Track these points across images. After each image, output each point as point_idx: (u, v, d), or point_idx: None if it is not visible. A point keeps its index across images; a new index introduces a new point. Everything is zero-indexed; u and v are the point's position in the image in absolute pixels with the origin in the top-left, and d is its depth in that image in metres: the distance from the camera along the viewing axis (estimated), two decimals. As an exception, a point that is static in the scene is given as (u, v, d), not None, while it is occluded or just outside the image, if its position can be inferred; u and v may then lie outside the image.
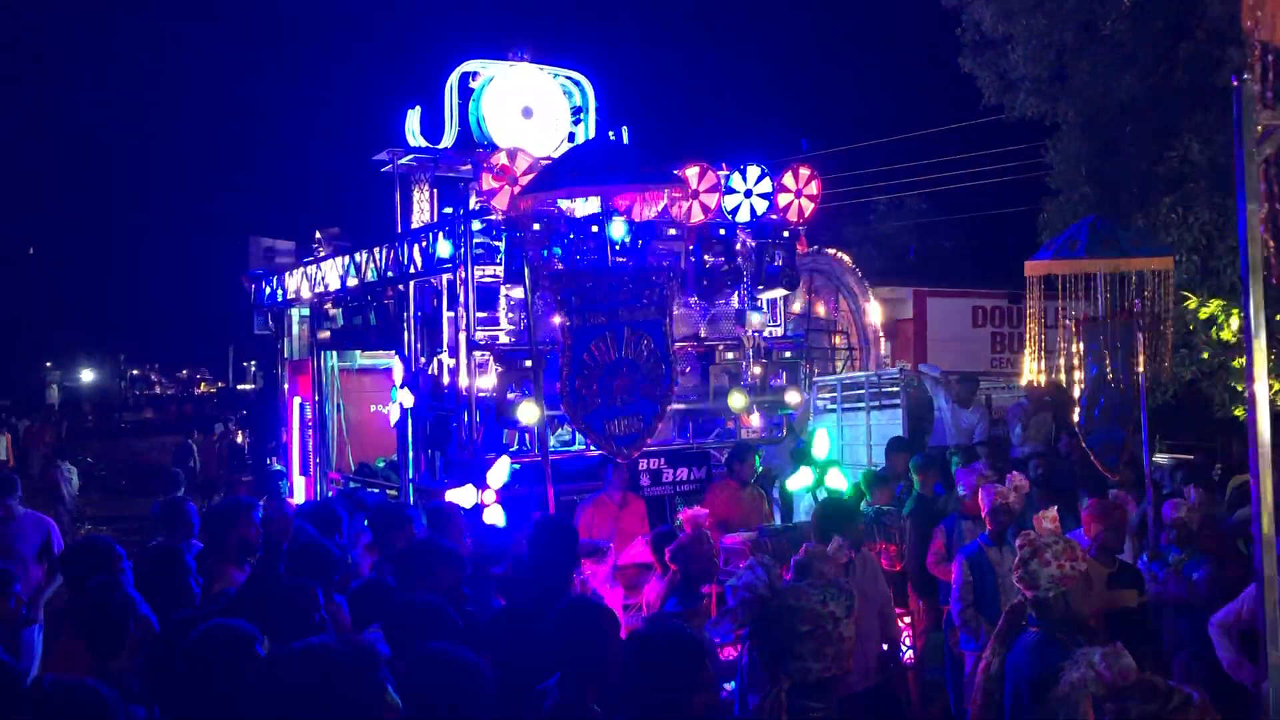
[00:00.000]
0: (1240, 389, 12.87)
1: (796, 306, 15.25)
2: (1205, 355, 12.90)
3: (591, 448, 8.23)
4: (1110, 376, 7.91)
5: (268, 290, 12.84)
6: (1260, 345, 3.06)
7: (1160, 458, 11.36)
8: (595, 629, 3.47)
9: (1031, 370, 7.93)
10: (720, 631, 3.59)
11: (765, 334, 9.65)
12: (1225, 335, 12.64)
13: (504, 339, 8.38)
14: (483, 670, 2.90)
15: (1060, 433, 11.62)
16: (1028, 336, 7.91)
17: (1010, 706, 3.72)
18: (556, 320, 6.81)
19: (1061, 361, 8.39)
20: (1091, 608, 5.51)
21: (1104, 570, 6.14)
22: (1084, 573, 4.00)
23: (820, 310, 16.88)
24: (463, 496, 7.30)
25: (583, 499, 8.07)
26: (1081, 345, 8.10)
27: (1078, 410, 8.23)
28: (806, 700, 2.69)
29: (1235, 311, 11.93)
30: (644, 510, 8.15)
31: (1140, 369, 7.70)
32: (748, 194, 9.01)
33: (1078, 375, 8.20)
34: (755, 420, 9.73)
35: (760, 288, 9.49)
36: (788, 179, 9.21)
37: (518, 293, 8.16)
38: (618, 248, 7.63)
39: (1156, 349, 7.75)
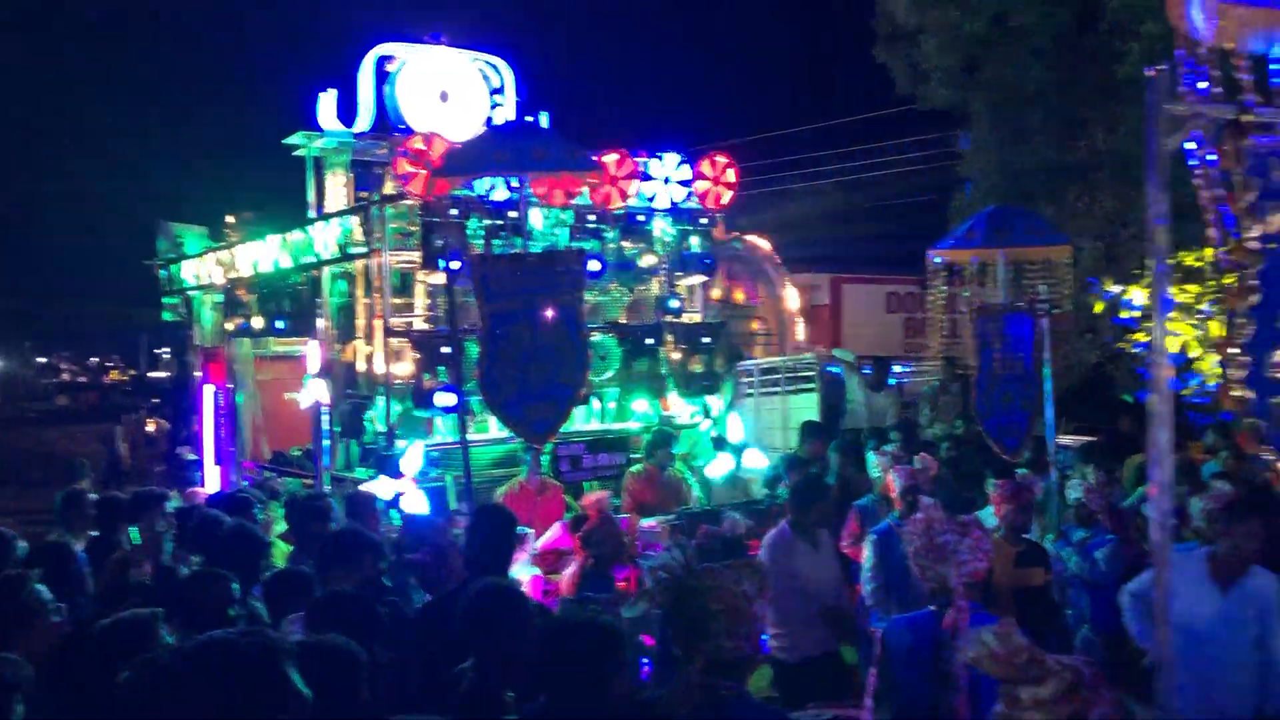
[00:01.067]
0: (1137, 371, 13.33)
1: (715, 292, 15.36)
2: (1108, 339, 13.33)
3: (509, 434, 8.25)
4: (1008, 363, 8.08)
5: (179, 276, 12.56)
6: (1158, 329, 3.13)
7: (1065, 439, 11.69)
8: (504, 612, 3.45)
9: (937, 355, 8.09)
10: (636, 612, 3.64)
11: (684, 319, 9.73)
12: (1125, 314, 13.06)
13: (421, 325, 8.31)
14: (358, 658, 2.89)
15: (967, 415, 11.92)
16: (931, 323, 8.07)
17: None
18: (475, 306, 6.71)
19: (968, 345, 8.58)
20: (1000, 584, 5.68)
21: (1012, 550, 6.31)
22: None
23: (739, 296, 17.02)
24: (381, 488, 7.24)
25: (502, 485, 8.06)
26: (977, 333, 8.25)
27: (975, 395, 8.41)
28: (719, 678, 2.73)
29: (1136, 288, 12.33)
30: (562, 496, 8.17)
31: (1044, 355, 7.89)
32: (666, 181, 9.06)
33: (973, 362, 8.38)
34: (674, 405, 9.81)
35: (679, 274, 9.57)
36: (705, 166, 9.28)
37: (435, 278, 8.11)
38: (535, 234, 7.61)
39: (1060, 335, 7.97)
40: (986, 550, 3.92)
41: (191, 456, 11.57)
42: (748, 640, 2.77)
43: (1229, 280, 3.16)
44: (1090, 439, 11.22)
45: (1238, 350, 3.10)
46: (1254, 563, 5.46)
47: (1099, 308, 12.40)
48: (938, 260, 7.75)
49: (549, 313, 6.42)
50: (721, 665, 2.72)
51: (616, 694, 2.90)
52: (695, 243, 9.47)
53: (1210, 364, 10.88)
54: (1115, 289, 12.91)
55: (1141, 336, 12.72)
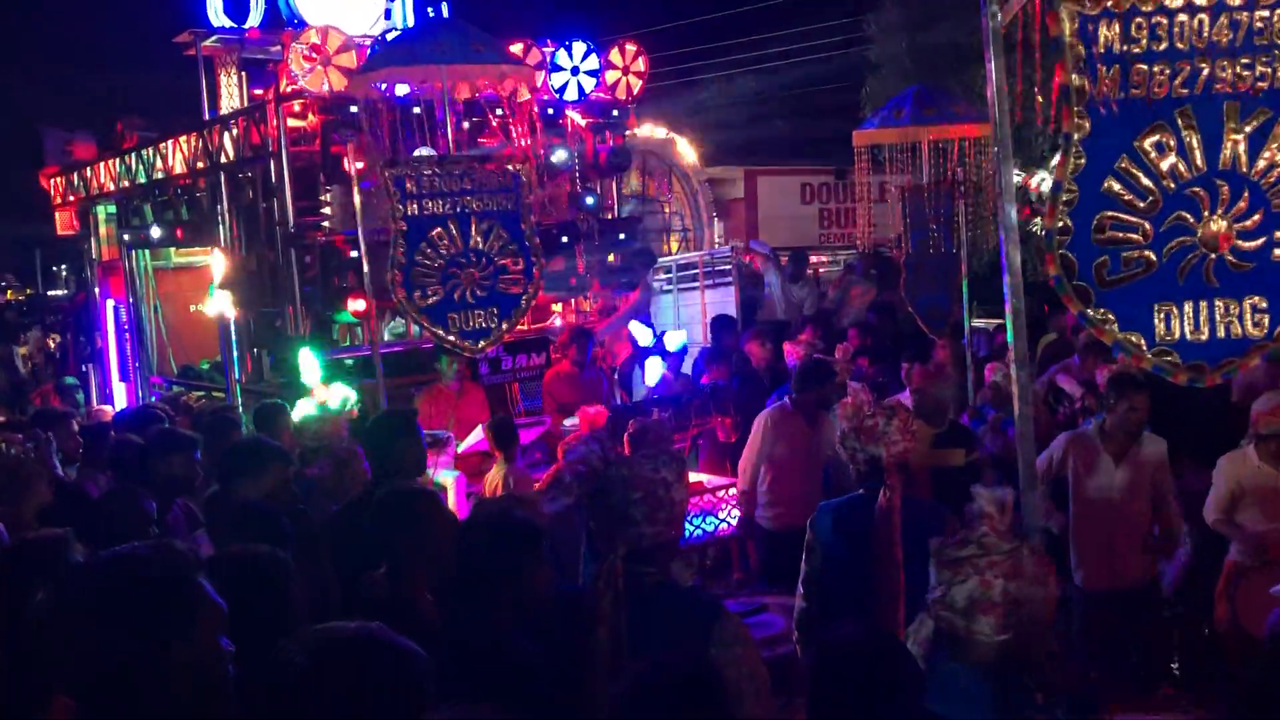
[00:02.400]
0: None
1: (629, 187, 15.21)
2: (1019, 223, 13.50)
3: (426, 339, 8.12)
4: (933, 243, 8.17)
5: (69, 187, 12.00)
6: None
7: (978, 322, 11.91)
8: (414, 515, 3.40)
9: (861, 240, 8.13)
10: (556, 504, 3.62)
11: (600, 216, 9.61)
12: (1030, 198, 13.25)
13: (327, 227, 8.07)
14: (288, 566, 2.83)
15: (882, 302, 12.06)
16: (858, 205, 8.08)
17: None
18: (388, 209, 6.39)
19: (895, 228, 8.62)
20: (918, 465, 5.81)
21: (930, 430, 6.43)
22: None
23: (654, 191, 16.88)
24: (302, 409, 7.06)
25: (419, 389, 7.96)
26: (907, 214, 8.31)
27: (904, 275, 8.50)
28: (641, 565, 2.73)
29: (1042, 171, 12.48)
30: (483, 398, 8.11)
31: (961, 236, 7.96)
32: (575, 71, 8.84)
33: (903, 243, 8.46)
34: (590, 304, 9.76)
35: (592, 169, 9.41)
36: (615, 56, 9.07)
37: (338, 179, 7.85)
38: (443, 129, 7.30)
39: (977, 216, 8.03)
40: (913, 431, 3.98)
41: (71, 380, 11.19)
42: (668, 526, 2.77)
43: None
44: (1001, 321, 11.47)
45: (1062, 219, 3.25)
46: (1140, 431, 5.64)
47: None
48: (863, 144, 7.72)
49: (483, 217, 6.12)
50: (642, 552, 2.73)
51: (538, 588, 2.90)
52: (608, 136, 9.30)
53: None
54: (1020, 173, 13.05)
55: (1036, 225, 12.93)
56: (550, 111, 8.73)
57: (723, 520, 7.37)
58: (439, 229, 6.04)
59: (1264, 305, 3.38)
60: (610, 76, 9.07)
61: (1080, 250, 3.29)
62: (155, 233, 9.97)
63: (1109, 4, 3.23)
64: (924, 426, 6.44)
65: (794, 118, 20.05)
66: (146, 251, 10.81)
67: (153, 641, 1.96)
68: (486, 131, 8.45)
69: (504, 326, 6.37)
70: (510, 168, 6.33)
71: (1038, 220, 12.88)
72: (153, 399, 10.22)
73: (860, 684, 2.53)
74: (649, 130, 15.83)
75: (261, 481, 3.92)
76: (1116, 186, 3.29)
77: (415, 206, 5.98)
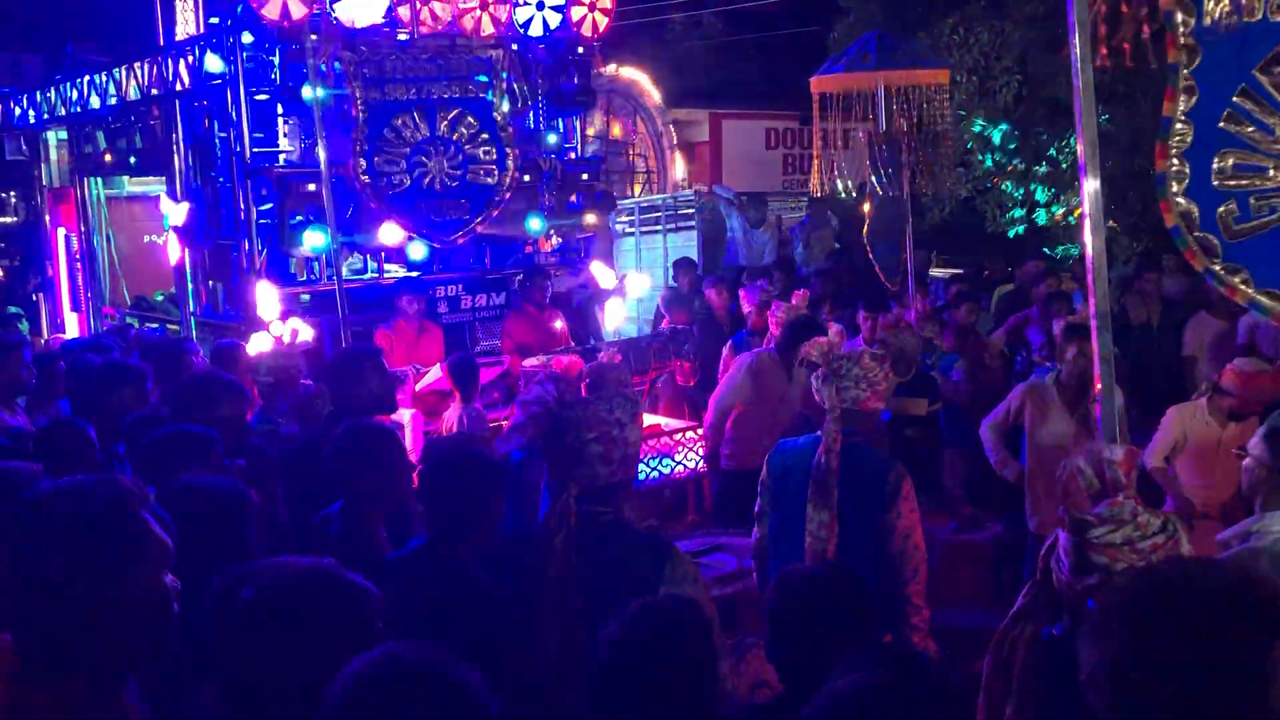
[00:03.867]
0: (1010, 207, 13.68)
1: (593, 128, 15.06)
2: (979, 174, 13.57)
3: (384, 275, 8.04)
4: (887, 191, 8.16)
5: (18, 111, 11.67)
6: (1092, 185, 2.91)
7: (936, 271, 12.01)
8: (372, 451, 3.40)
9: (817, 187, 8.08)
10: (511, 444, 3.64)
11: (562, 155, 9.50)
12: (997, 155, 13.32)
13: (284, 161, 7.92)
14: (243, 494, 2.82)
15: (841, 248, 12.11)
16: (815, 152, 8.02)
17: None
18: (347, 91, 5.94)
19: (849, 179, 8.59)
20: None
21: (894, 379, 6.52)
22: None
23: (618, 132, 16.73)
24: (258, 343, 6.98)
25: (379, 327, 7.90)
26: (871, 160, 8.28)
27: (868, 221, 8.50)
28: (594, 505, 2.75)
29: (1001, 131, 12.54)
30: (441, 337, 8.07)
31: (915, 184, 7.94)
32: (540, 6, 8.65)
33: (868, 190, 8.44)
34: (553, 244, 9.67)
35: (556, 106, 9.28)
36: (581, -9, 8.90)
37: (297, 110, 7.69)
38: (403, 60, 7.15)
39: (935, 164, 8.02)
40: (871, 380, 3.93)
41: (15, 310, 10.98)
42: (622, 465, 2.79)
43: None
44: (958, 271, 11.57)
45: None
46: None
47: (977, 130, 12.58)
48: (820, 90, 7.65)
49: (450, 104, 5.84)
50: (597, 491, 2.75)
51: (496, 526, 2.93)
52: (573, 74, 9.16)
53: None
54: (987, 124, 13.09)
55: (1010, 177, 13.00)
56: (514, 47, 8.56)
57: (679, 463, 7.43)
58: (402, 116, 5.79)
59: None
60: (576, 13, 8.90)
61: (1201, 197, 2.92)
62: (108, 160, 9.76)
63: None
64: (890, 376, 6.53)
65: (761, 62, 19.90)
66: (99, 179, 10.58)
67: (93, 577, 1.91)
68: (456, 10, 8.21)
69: (477, 219, 6.15)
70: (482, 53, 6.02)
71: (999, 174, 12.90)
72: (103, 329, 10.07)
73: (819, 614, 2.57)
74: (614, 70, 15.66)
75: (215, 413, 3.89)
76: (1236, 122, 2.93)
77: (376, 91, 5.71)
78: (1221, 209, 2.95)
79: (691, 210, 12.87)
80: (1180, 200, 2.93)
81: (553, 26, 8.76)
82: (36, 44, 12.07)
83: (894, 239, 8.44)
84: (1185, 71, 2.91)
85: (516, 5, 8.44)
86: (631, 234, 13.32)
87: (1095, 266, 2.95)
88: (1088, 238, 2.95)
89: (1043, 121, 12.74)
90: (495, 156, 6.06)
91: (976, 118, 12.86)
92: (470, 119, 5.95)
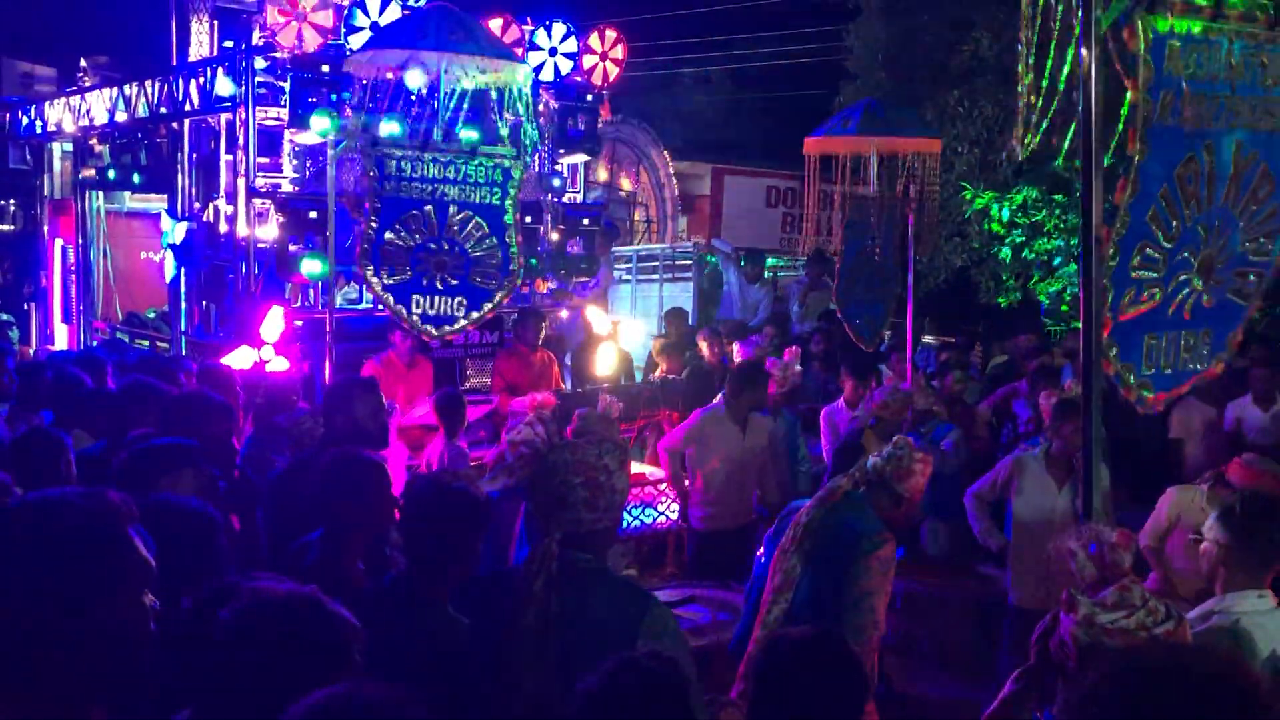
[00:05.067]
0: (1005, 278, 13.76)
1: (601, 175, 15.17)
2: (976, 244, 13.67)
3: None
4: (876, 255, 8.17)
5: (25, 121, 11.72)
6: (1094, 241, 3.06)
7: (928, 339, 12.05)
8: (358, 483, 3.36)
9: (809, 248, 8.12)
10: (496, 486, 3.62)
11: (565, 199, 9.56)
12: (995, 227, 13.42)
13: (287, 187, 7.96)
14: (214, 518, 2.79)
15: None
16: (805, 213, 8.05)
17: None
18: (357, 176, 6.16)
19: (838, 236, 8.62)
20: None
21: (881, 444, 6.51)
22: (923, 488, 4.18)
23: (622, 181, 16.85)
24: (240, 358, 6.98)
25: (369, 358, 7.88)
26: (845, 221, 8.30)
27: (837, 283, 8.50)
28: (577, 550, 2.72)
29: (1006, 204, 12.66)
30: (431, 372, 8.05)
31: (909, 250, 7.96)
32: (552, 52, 8.78)
33: (839, 250, 8.45)
34: (548, 286, 9.70)
35: (561, 151, 9.36)
36: (594, 40, 9.02)
37: (304, 138, 7.74)
38: (412, 92, 7.18)
39: (926, 232, 8.05)
40: (907, 470, 4.03)
41: (6, 317, 10.94)
42: (607, 513, 2.77)
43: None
44: (950, 339, 11.61)
45: (1112, 248, 3.09)
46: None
47: (979, 203, 12.67)
48: (813, 151, 7.71)
49: (463, 207, 6.01)
50: (580, 537, 2.72)
51: (476, 554, 2.90)
52: (580, 120, 9.25)
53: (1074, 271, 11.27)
54: (986, 196, 13.21)
55: (1006, 249, 13.11)
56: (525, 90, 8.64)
57: (661, 513, 7.38)
58: (415, 211, 5.95)
59: (1208, 339, 3.42)
60: (587, 61, 9.02)
61: (1118, 281, 3.13)
62: (111, 175, 9.78)
63: (1178, 26, 3.08)
64: (875, 439, 6.53)
65: (766, 121, 20.11)
66: (100, 193, 10.59)
67: (74, 595, 1.84)
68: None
69: (471, 317, 6.30)
70: (504, 162, 6.21)
71: (996, 245, 12.98)
72: (93, 344, 10.02)
73: (806, 678, 2.52)
74: (621, 120, 15.80)
75: (199, 433, 3.85)
76: (1153, 217, 3.16)
77: (393, 185, 5.88)
78: (1126, 294, 3.16)
79: (689, 261, 12.93)
80: (1105, 283, 3.10)
81: (564, 73, 8.87)
82: (49, 56, 12.12)
83: (870, 301, 8.44)
84: (1135, 165, 3.08)
85: (530, 50, 8.55)
86: (629, 281, 13.37)
87: (1091, 353, 3.06)
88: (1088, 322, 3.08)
89: (1042, 198, 12.86)
90: (499, 262, 6.23)
91: (976, 190, 12.97)
92: (481, 223, 6.11)
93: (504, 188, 6.24)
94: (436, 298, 6.13)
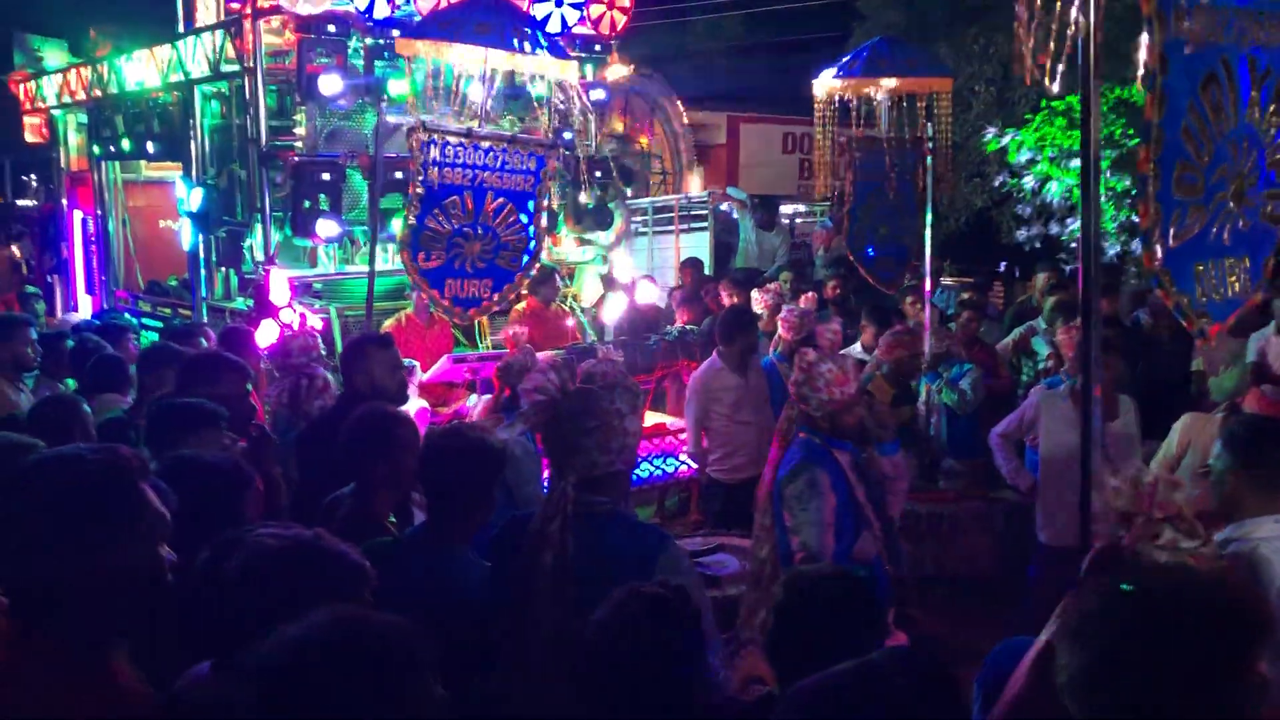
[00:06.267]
0: (1025, 216, 13.62)
1: (615, 127, 15.07)
2: (997, 183, 13.52)
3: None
4: (891, 196, 8.07)
5: (39, 94, 11.75)
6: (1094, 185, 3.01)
7: (947, 280, 11.97)
8: (393, 438, 3.43)
9: (823, 193, 8.03)
10: (513, 433, 3.66)
11: (578, 154, 9.51)
12: (1011, 158, 13.25)
13: (300, 148, 7.96)
14: (240, 470, 2.84)
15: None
16: (817, 156, 7.95)
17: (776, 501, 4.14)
18: (412, 167, 6.22)
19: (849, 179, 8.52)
20: (875, 419, 5.90)
21: (890, 390, 6.53)
22: (852, 396, 4.26)
23: (639, 136, 16.72)
24: (266, 334, 7.02)
25: (389, 317, 7.93)
26: (856, 164, 8.21)
27: (848, 225, 8.42)
28: (591, 494, 2.76)
29: (1025, 141, 12.48)
30: (451, 330, 8.08)
31: (925, 189, 7.85)
32: (559, 2, 8.69)
33: (849, 193, 8.37)
34: (563, 241, 9.69)
35: (572, 104, 9.29)
36: (600, -11, 8.93)
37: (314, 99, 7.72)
38: (418, 59, 7.10)
39: (955, 175, 7.96)
40: (839, 385, 4.15)
41: (33, 290, 11.06)
42: (620, 455, 2.80)
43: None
44: (969, 279, 11.54)
45: (1152, 165, 3.01)
46: (1114, 392, 5.72)
47: (992, 147, 12.50)
48: (822, 94, 7.61)
49: (498, 194, 6.10)
50: (594, 480, 2.75)
51: (492, 502, 2.95)
52: (589, 72, 9.18)
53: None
54: (1006, 134, 13.04)
55: (1027, 182, 12.94)
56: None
57: (683, 462, 7.43)
58: (454, 198, 6.04)
59: (1247, 265, 3.33)
60: (595, 10, 8.94)
61: (1165, 202, 3.05)
62: (126, 145, 9.81)
63: None
64: (885, 385, 6.54)
65: (780, 66, 19.87)
66: (116, 163, 10.64)
67: (89, 546, 1.91)
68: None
69: (494, 298, 6.43)
70: (538, 151, 6.31)
71: (1016, 181, 12.79)
72: (119, 313, 10.12)
73: (824, 614, 2.55)
74: (632, 69, 15.65)
75: (219, 389, 3.92)
76: (1185, 135, 3.09)
77: (436, 173, 5.97)
78: (1173, 215, 3.06)
79: (705, 211, 12.86)
80: (1155, 205, 3.03)
81: (570, 23, 8.79)
82: (59, 27, 12.12)
83: (892, 245, 8.35)
84: (1159, 80, 2.99)
85: (535, 1, 8.48)
86: (645, 234, 13.32)
87: (1090, 289, 3.03)
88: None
89: (1060, 133, 12.68)
90: (524, 245, 6.33)
91: (996, 128, 12.79)
92: (513, 210, 6.22)
93: (536, 175, 6.36)
94: (465, 280, 6.26)
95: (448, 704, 1.71)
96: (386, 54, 7.55)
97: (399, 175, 7.09)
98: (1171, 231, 3.08)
